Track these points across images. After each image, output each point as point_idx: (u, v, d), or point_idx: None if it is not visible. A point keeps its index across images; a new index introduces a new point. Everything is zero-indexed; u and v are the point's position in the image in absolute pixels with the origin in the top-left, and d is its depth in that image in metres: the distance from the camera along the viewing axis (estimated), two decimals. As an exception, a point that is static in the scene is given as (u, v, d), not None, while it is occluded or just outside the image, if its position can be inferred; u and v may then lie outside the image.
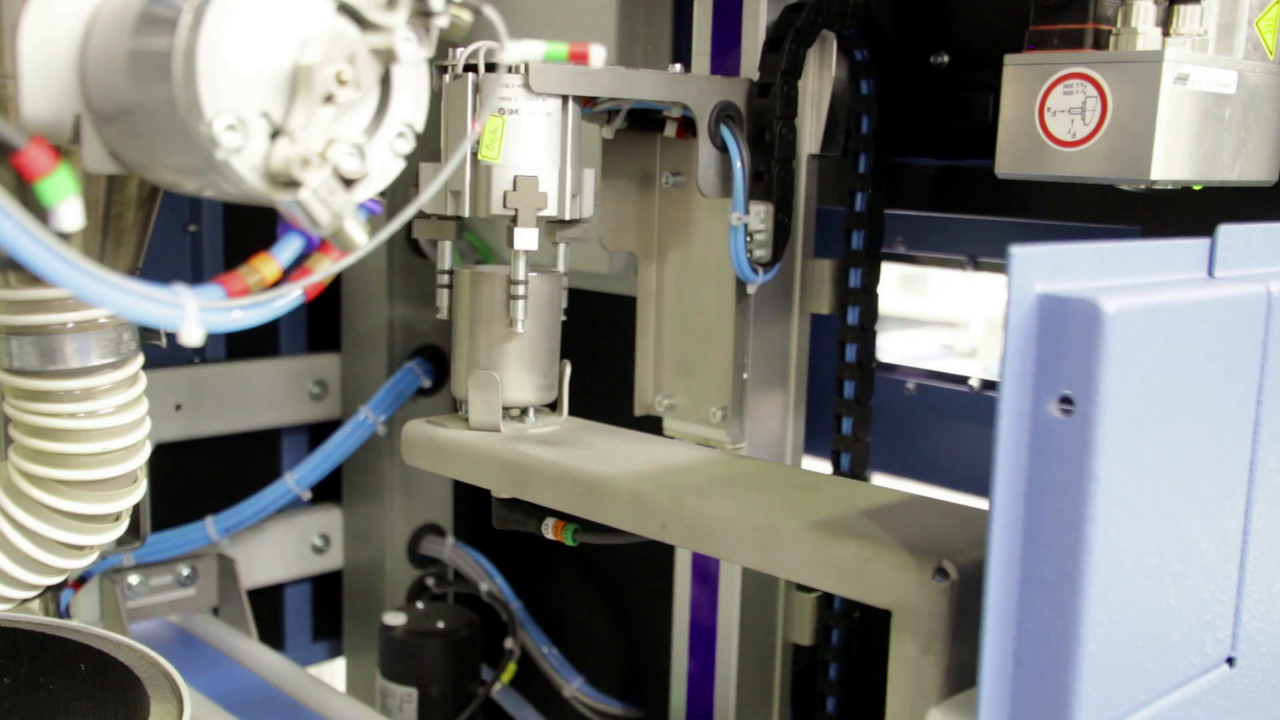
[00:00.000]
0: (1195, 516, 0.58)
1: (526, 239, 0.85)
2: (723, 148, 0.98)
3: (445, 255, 0.92)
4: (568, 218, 0.87)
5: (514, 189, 0.85)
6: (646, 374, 1.13)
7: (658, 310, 1.11)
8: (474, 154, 0.85)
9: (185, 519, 1.39)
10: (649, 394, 1.13)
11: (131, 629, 1.36)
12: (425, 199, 0.60)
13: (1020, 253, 0.51)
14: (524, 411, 0.91)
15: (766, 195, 1.01)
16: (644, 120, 1.01)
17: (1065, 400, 0.51)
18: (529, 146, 0.86)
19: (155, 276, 0.54)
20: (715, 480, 0.80)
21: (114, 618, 1.32)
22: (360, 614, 1.61)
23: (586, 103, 0.92)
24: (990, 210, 1.13)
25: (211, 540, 1.39)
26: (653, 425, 1.08)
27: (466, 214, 0.86)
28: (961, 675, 0.63)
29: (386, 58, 0.56)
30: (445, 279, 0.91)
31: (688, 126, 0.99)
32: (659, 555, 1.25)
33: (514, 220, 0.85)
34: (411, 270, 1.49)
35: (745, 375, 1.08)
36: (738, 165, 0.97)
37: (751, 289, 1.05)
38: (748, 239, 0.99)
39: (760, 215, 1.00)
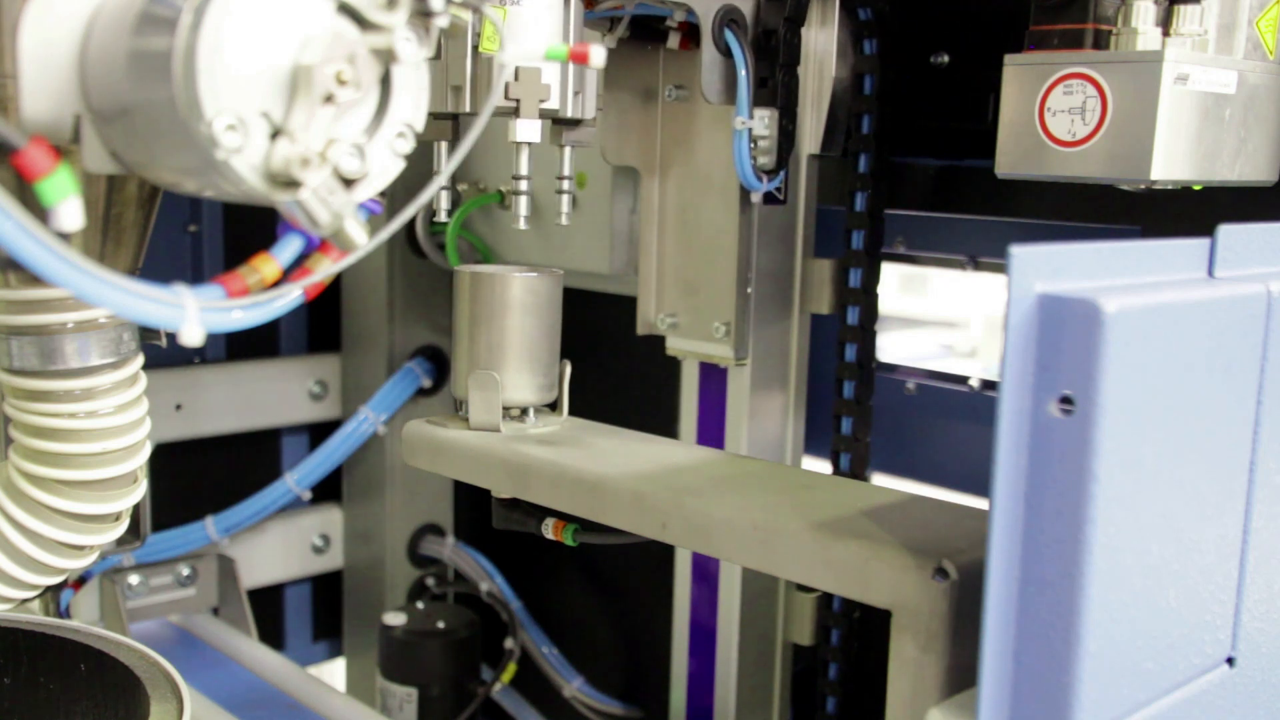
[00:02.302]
0: (1195, 516, 0.58)
1: (528, 130, 0.83)
2: (727, 52, 0.95)
3: (443, 159, 0.89)
4: (569, 115, 0.85)
5: (516, 80, 0.82)
6: (649, 292, 1.11)
7: (660, 226, 1.09)
8: (474, 47, 0.83)
9: (185, 519, 1.39)
10: (652, 312, 1.11)
11: (131, 629, 1.36)
12: (425, 199, 0.60)
13: (1020, 253, 0.51)
14: (524, 411, 0.91)
15: (771, 101, 0.98)
16: (646, 31, 0.99)
17: (1065, 400, 0.51)
18: (531, 39, 0.83)
19: (155, 276, 0.54)
20: (715, 480, 0.80)
21: (114, 618, 1.32)
22: (360, 614, 1.60)
23: (589, 4, 0.90)
24: (990, 210, 1.13)
25: (211, 540, 1.39)
26: (653, 423, 1.07)
27: (467, 109, 0.84)
28: (961, 675, 0.63)
29: (386, 58, 0.56)
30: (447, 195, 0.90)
31: (691, 37, 0.97)
32: (659, 555, 1.25)
33: (516, 112, 0.83)
34: (411, 270, 1.49)
35: (749, 289, 1.06)
36: (742, 70, 0.95)
37: (756, 198, 1.02)
38: (752, 145, 0.97)
39: (765, 121, 0.98)
